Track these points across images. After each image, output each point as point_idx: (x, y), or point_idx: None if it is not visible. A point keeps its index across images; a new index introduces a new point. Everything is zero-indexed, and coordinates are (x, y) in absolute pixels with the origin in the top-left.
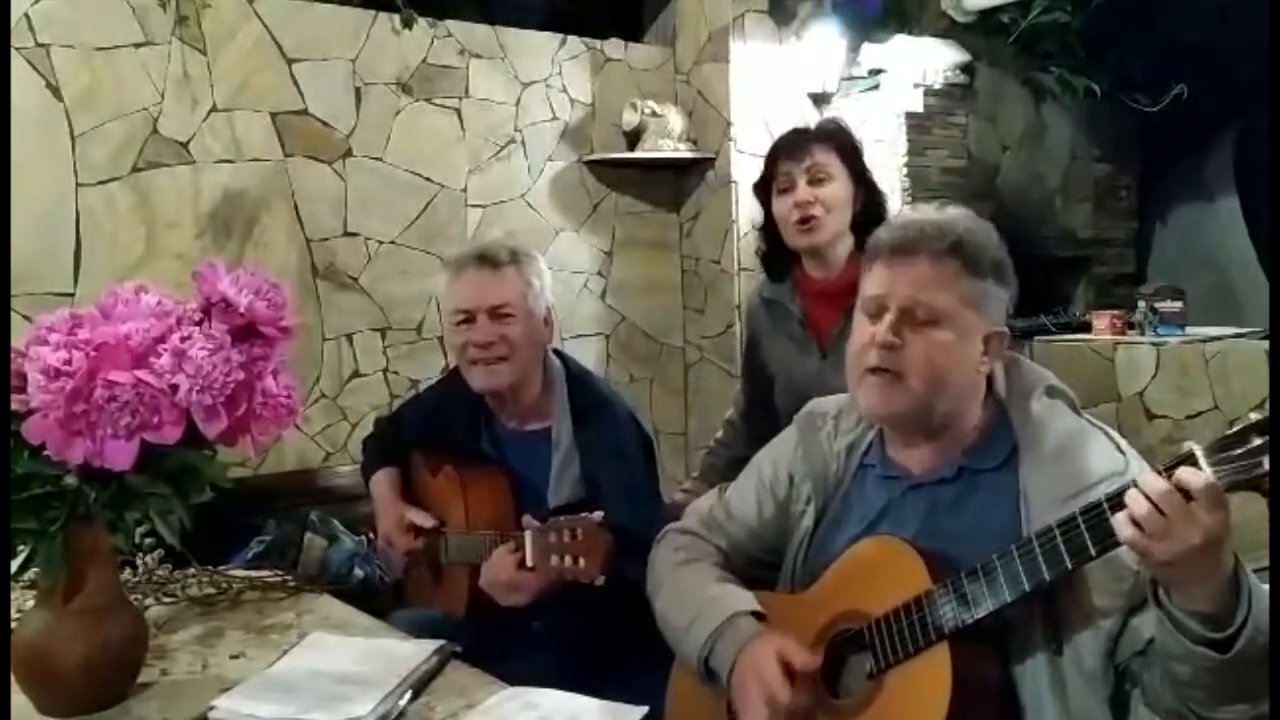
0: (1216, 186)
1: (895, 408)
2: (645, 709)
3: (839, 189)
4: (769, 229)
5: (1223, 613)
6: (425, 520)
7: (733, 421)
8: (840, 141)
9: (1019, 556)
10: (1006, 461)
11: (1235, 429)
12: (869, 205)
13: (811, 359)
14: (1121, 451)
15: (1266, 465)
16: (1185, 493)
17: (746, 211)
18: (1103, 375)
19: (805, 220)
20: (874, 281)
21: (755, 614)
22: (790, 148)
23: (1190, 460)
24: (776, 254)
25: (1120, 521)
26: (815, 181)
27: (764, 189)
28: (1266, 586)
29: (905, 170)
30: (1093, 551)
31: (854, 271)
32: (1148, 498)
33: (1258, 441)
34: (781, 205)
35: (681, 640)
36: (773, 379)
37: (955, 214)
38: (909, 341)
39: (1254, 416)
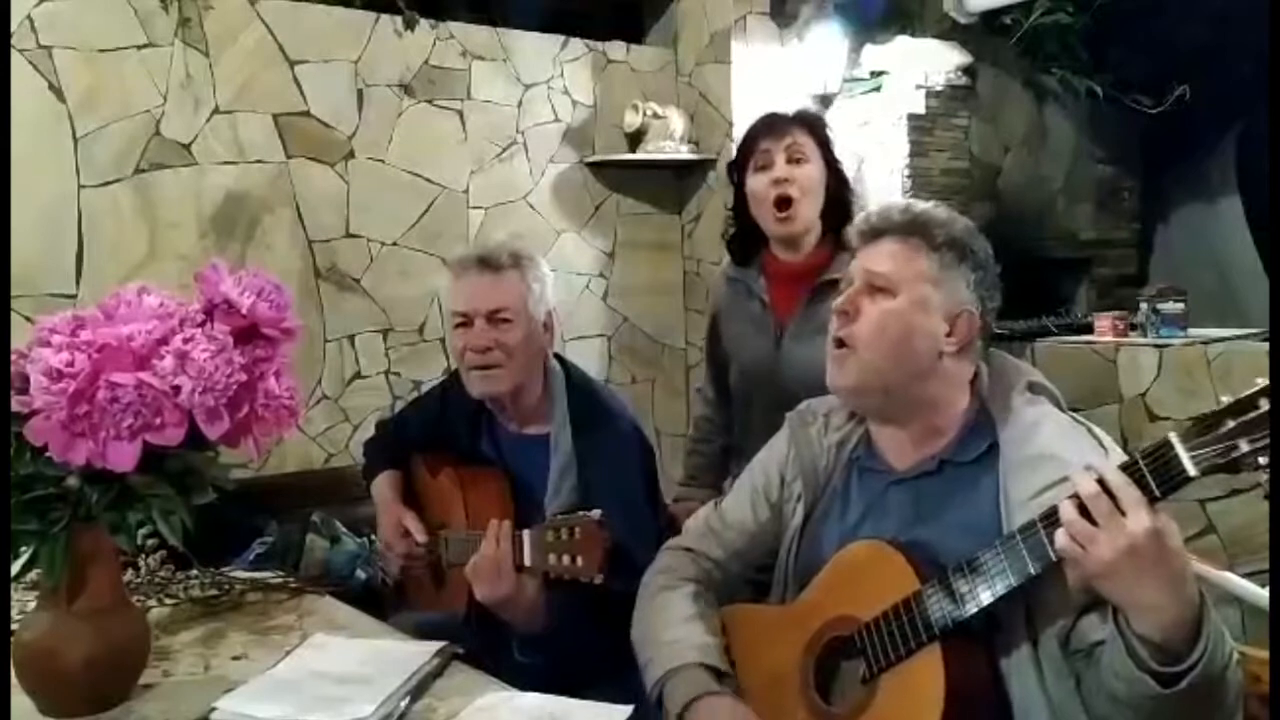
0: (1219, 187)
1: (849, 379)
2: (630, 708)
3: (814, 171)
4: (740, 210)
5: (1175, 648)
6: (419, 534)
7: (706, 416)
8: (815, 127)
9: (1004, 552)
10: (987, 454)
11: (1209, 413)
12: (837, 192)
13: (767, 340)
14: (1103, 446)
15: (1243, 448)
16: (1116, 502)
17: None
18: (1105, 377)
19: (781, 204)
20: (850, 268)
21: (708, 666)
22: (770, 126)
23: (1166, 447)
24: (745, 237)
25: (1059, 532)
26: (793, 161)
27: (739, 168)
28: (1264, 589)
29: (907, 172)
30: None
31: (820, 256)
32: (1078, 504)
33: (1231, 424)
34: (758, 182)
35: (643, 672)
36: (728, 360)
37: (922, 202)
38: (863, 310)
39: (1226, 400)
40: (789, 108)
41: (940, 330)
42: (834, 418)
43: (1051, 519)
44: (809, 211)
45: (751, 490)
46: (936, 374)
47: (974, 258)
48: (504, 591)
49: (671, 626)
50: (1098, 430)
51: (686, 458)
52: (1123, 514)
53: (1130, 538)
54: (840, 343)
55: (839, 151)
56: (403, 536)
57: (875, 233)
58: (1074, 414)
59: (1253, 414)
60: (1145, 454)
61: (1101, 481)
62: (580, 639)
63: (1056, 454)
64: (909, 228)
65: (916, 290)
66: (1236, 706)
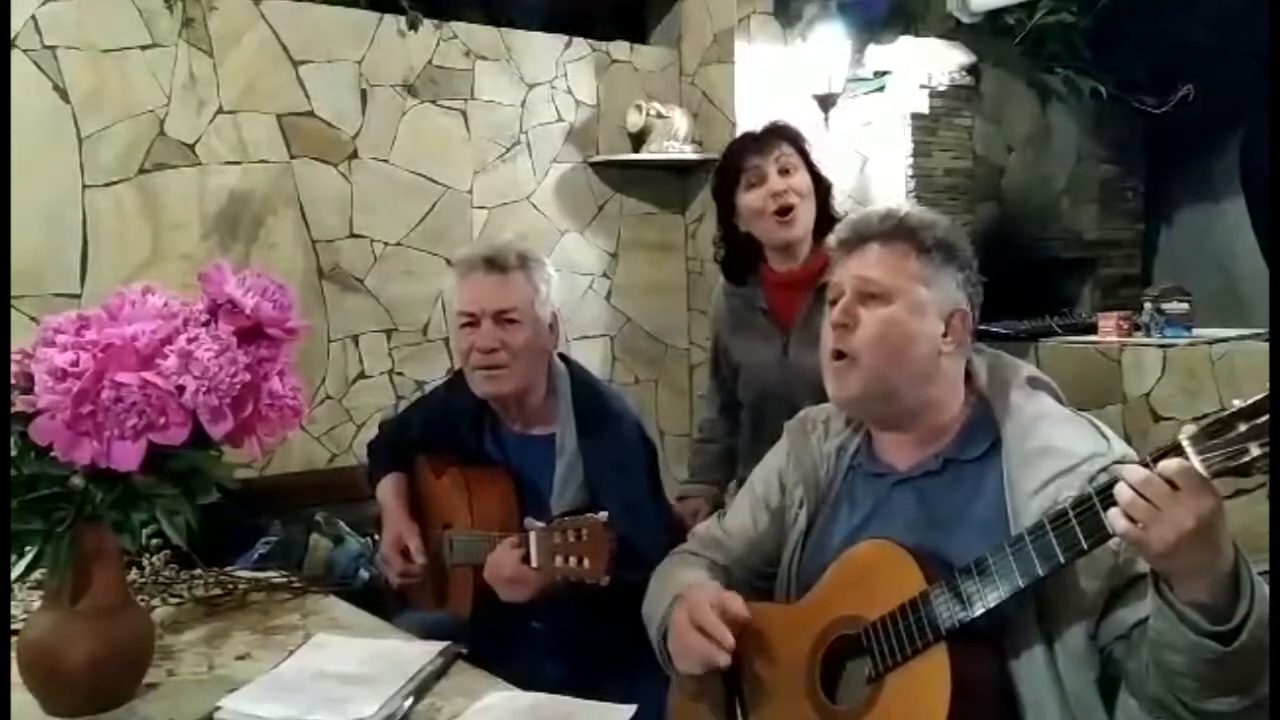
0: (1223, 187)
1: (853, 390)
2: (634, 707)
3: (805, 180)
4: (729, 230)
5: (1223, 605)
6: (418, 555)
7: (710, 420)
8: (797, 139)
9: (1012, 553)
10: (990, 451)
11: (1219, 415)
12: (824, 199)
13: (774, 347)
14: (1105, 436)
15: (1254, 451)
16: (1170, 482)
17: None
18: (1109, 377)
19: (783, 211)
20: (834, 274)
21: None
22: (756, 143)
23: (1177, 450)
24: (736, 256)
25: (1114, 515)
26: (784, 172)
27: (727, 188)
28: (1268, 588)
29: (910, 171)
30: (1084, 545)
31: (817, 261)
32: (1133, 488)
33: (1243, 428)
34: (754, 198)
35: (652, 636)
36: (737, 371)
37: (904, 205)
38: (861, 320)
39: (1237, 403)
40: (758, 124)
41: (937, 331)
42: (833, 424)
43: (1058, 521)
44: (808, 217)
45: (751, 499)
46: (936, 376)
47: (960, 256)
48: (528, 595)
49: (685, 576)
50: (1098, 422)
51: (692, 456)
52: (1178, 490)
53: (1196, 518)
54: (840, 354)
55: (817, 160)
56: (400, 554)
57: (860, 239)
58: (1075, 411)
59: (1264, 418)
60: (1154, 458)
61: (1147, 465)
62: (590, 606)
63: (1060, 446)
64: (894, 233)
65: (911, 294)
66: None
